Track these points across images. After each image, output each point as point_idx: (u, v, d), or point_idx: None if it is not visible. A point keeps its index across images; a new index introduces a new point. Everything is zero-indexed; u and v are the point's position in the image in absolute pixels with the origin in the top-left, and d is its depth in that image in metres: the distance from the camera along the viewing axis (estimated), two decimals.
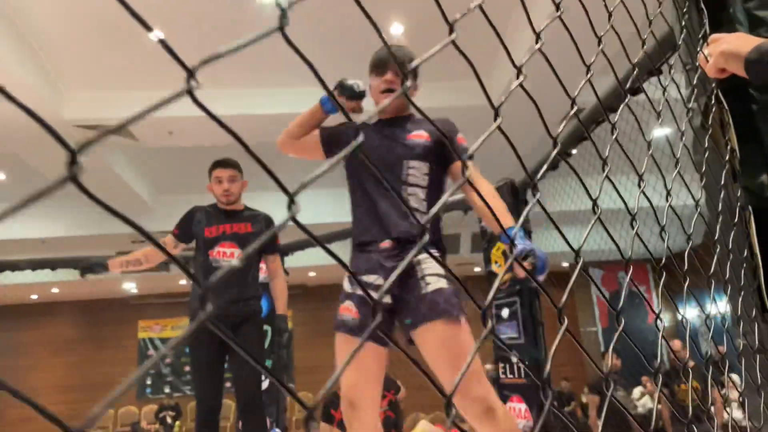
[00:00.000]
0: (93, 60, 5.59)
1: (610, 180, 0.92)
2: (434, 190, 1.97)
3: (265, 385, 4.74)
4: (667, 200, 1.06)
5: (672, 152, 1.26)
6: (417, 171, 1.95)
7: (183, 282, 11.31)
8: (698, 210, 1.23)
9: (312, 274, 11.86)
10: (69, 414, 11.14)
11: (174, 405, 11.53)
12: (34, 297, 12.38)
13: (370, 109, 2.09)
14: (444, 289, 1.79)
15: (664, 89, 1.32)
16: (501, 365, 4.07)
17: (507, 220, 1.82)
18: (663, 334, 0.97)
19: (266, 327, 4.69)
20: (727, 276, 1.37)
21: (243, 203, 3.17)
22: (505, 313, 4.03)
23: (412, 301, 1.79)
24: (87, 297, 12.59)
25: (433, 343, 1.74)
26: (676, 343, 5.58)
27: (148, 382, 12.64)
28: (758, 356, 1.42)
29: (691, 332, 1.16)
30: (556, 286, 1.53)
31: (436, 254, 1.88)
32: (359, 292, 1.88)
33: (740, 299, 1.36)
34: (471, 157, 2.21)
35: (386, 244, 1.88)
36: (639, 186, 1.04)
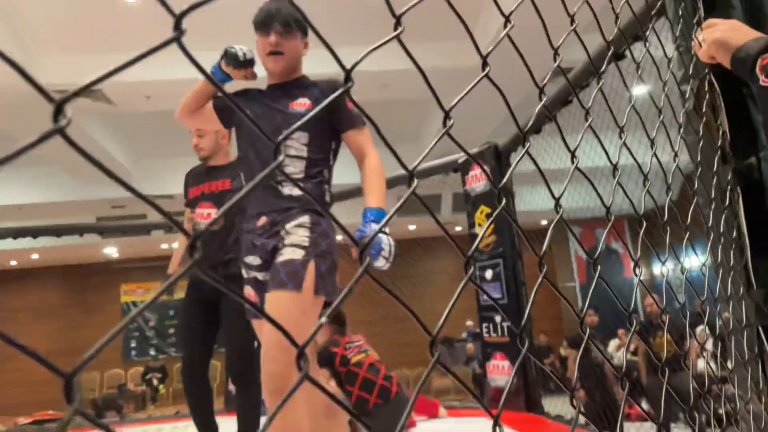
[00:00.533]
0: (68, 23, 5.43)
1: (594, 131, 0.95)
2: (316, 161, 1.89)
3: (256, 344, 4.79)
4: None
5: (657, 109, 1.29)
6: (296, 142, 1.86)
7: (165, 246, 11.28)
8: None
9: None
10: (56, 379, 11.17)
11: (160, 367, 11.64)
12: (14, 263, 12.27)
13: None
14: (293, 260, 1.73)
15: (647, 47, 1.34)
16: (485, 324, 4.18)
17: (373, 199, 1.79)
18: (640, 286, 1.01)
19: None
20: (719, 259, 1.43)
21: (231, 157, 2.97)
22: (488, 274, 4.11)
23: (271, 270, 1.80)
24: (68, 262, 12.51)
25: (268, 310, 1.71)
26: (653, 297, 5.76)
27: (133, 345, 12.70)
28: (745, 331, 1.48)
29: (667, 285, 1.21)
30: (537, 243, 1.57)
31: (307, 224, 1.79)
32: (252, 275, 1.88)
33: (729, 278, 1.42)
34: (364, 123, 1.95)
35: (260, 221, 1.86)
36: (620, 137, 1.08)
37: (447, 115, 0.61)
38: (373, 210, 1.75)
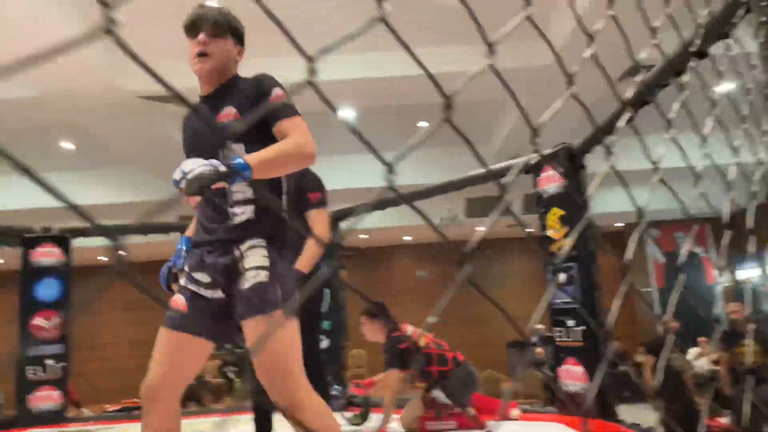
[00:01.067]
0: (157, 31, 5.74)
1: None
2: None
3: (324, 344, 4.93)
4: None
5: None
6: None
7: None
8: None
9: (364, 236, 12.04)
10: (140, 367, 11.80)
11: (236, 361, 12.06)
12: (104, 259, 13.05)
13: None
14: (261, 283, 1.70)
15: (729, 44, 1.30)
16: (557, 329, 4.10)
17: (255, 157, 1.61)
18: (722, 295, 0.99)
19: (325, 289, 4.78)
20: None
21: None
22: (562, 277, 4.03)
23: (236, 296, 1.73)
24: (152, 258, 13.17)
25: (249, 339, 1.72)
26: (735, 305, 5.45)
27: None
28: None
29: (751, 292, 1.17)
30: (612, 247, 1.54)
31: (263, 244, 1.74)
32: (191, 287, 1.81)
33: None
34: (293, 113, 1.75)
35: (211, 238, 1.80)
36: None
37: (523, 121, 0.63)
38: (238, 159, 1.57)
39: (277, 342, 1.70)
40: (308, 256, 2.84)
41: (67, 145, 8.20)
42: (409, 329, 3.82)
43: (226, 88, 1.86)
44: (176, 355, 1.75)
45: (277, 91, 1.80)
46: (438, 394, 3.62)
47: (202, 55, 1.82)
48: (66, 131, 7.69)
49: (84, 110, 6.37)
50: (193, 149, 1.85)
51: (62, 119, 6.91)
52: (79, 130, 7.33)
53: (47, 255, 5.13)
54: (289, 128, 1.74)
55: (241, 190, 1.78)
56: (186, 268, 1.86)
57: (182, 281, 1.84)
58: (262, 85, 1.81)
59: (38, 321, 5.01)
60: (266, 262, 1.73)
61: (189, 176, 1.47)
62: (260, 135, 1.75)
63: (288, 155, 1.69)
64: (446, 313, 9.53)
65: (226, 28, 1.86)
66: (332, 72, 6.33)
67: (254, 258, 1.73)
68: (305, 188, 2.97)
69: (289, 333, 1.72)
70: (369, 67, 6.08)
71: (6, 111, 6.54)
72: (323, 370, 3.21)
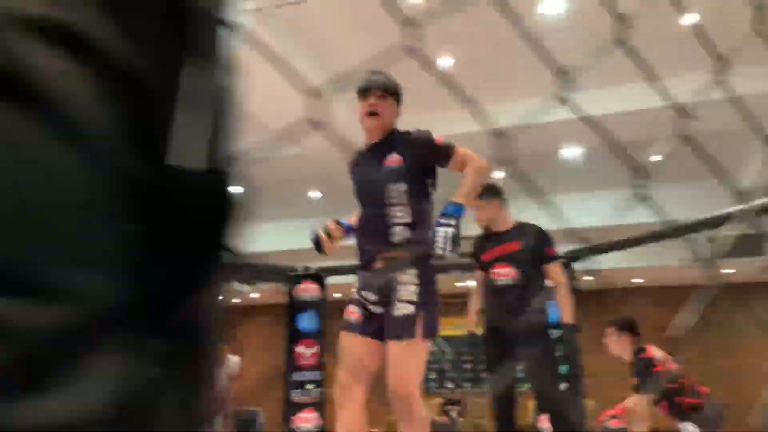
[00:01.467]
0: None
1: None
2: (415, 204, 2.15)
3: (563, 387, 4.85)
4: None
5: None
6: (396, 192, 2.13)
7: (459, 284, 11.93)
8: None
9: (588, 278, 11.52)
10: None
11: (457, 400, 12.22)
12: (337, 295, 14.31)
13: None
14: (408, 315, 2.06)
15: None
16: None
17: (458, 193, 2.09)
18: None
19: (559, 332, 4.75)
20: None
21: (512, 220, 3.41)
22: None
23: (387, 318, 2.10)
24: None
25: (389, 355, 2.07)
26: None
27: (432, 377, 13.58)
28: None
29: None
30: None
31: (415, 280, 2.09)
32: (365, 303, 2.20)
33: None
34: (453, 146, 2.18)
35: (376, 265, 2.16)
36: None
37: None
38: (451, 205, 2.04)
39: (413, 360, 2.07)
40: (568, 308, 3.22)
41: (314, 194, 9.31)
42: (657, 352, 3.60)
43: (388, 139, 2.24)
44: (356, 353, 2.18)
45: (437, 137, 2.20)
46: (686, 430, 3.34)
47: (373, 114, 2.19)
48: (316, 181, 8.77)
49: (332, 164, 7.23)
50: (362, 191, 2.30)
51: (314, 172, 7.93)
52: (326, 180, 8.30)
53: (307, 291, 5.86)
54: (464, 157, 2.17)
55: (400, 215, 2.15)
56: (356, 288, 2.27)
57: (354, 297, 2.25)
58: (424, 135, 2.20)
59: (300, 349, 5.71)
60: (415, 298, 2.08)
61: (448, 246, 1.99)
62: (420, 176, 2.19)
63: (479, 178, 2.15)
64: (686, 363, 8.66)
65: (392, 92, 2.24)
66: (557, 112, 6.34)
67: (406, 291, 2.09)
68: (543, 245, 3.31)
69: (423, 354, 2.10)
70: (593, 104, 5.99)
71: (276, 166, 7.72)
72: (564, 409, 3.26)
